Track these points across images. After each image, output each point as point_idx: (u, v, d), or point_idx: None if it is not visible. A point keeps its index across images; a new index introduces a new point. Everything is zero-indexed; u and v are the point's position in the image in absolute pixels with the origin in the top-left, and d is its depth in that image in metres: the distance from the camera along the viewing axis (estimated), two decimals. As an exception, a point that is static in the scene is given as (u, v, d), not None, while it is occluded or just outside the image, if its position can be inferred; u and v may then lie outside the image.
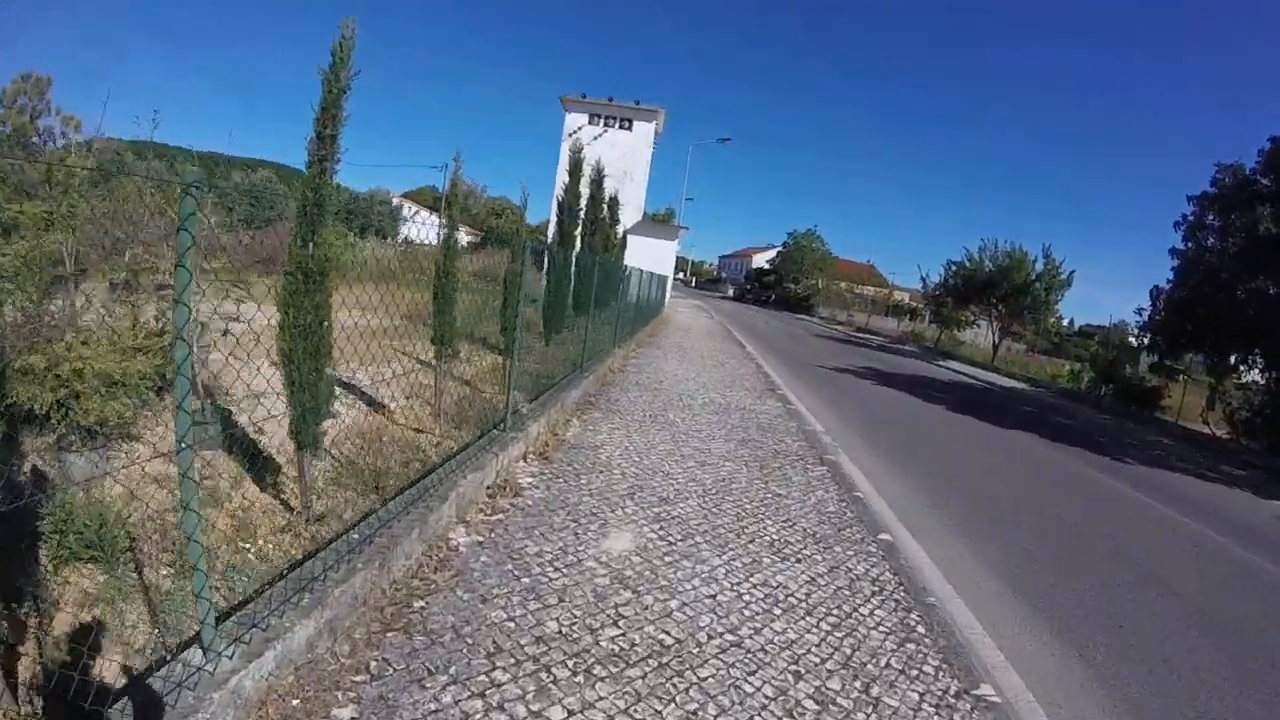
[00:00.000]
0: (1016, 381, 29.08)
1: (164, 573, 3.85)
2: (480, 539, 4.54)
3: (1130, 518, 8.92)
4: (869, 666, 3.82)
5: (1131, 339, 30.60)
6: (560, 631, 3.61)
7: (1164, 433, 20.41)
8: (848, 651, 3.93)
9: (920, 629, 4.39)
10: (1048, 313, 34.99)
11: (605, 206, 21.50)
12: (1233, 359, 21.20)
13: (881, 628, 4.31)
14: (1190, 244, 21.59)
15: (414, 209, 55.02)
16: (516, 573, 4.16)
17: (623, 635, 3.68)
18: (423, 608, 3.65)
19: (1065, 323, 41.61)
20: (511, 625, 3.60)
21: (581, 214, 17.23)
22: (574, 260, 14.38)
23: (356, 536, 3.74)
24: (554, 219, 17.00)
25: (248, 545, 4.08)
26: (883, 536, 5.95)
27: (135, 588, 3.67)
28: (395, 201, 50.42)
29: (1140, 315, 23.36)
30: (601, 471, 6.40)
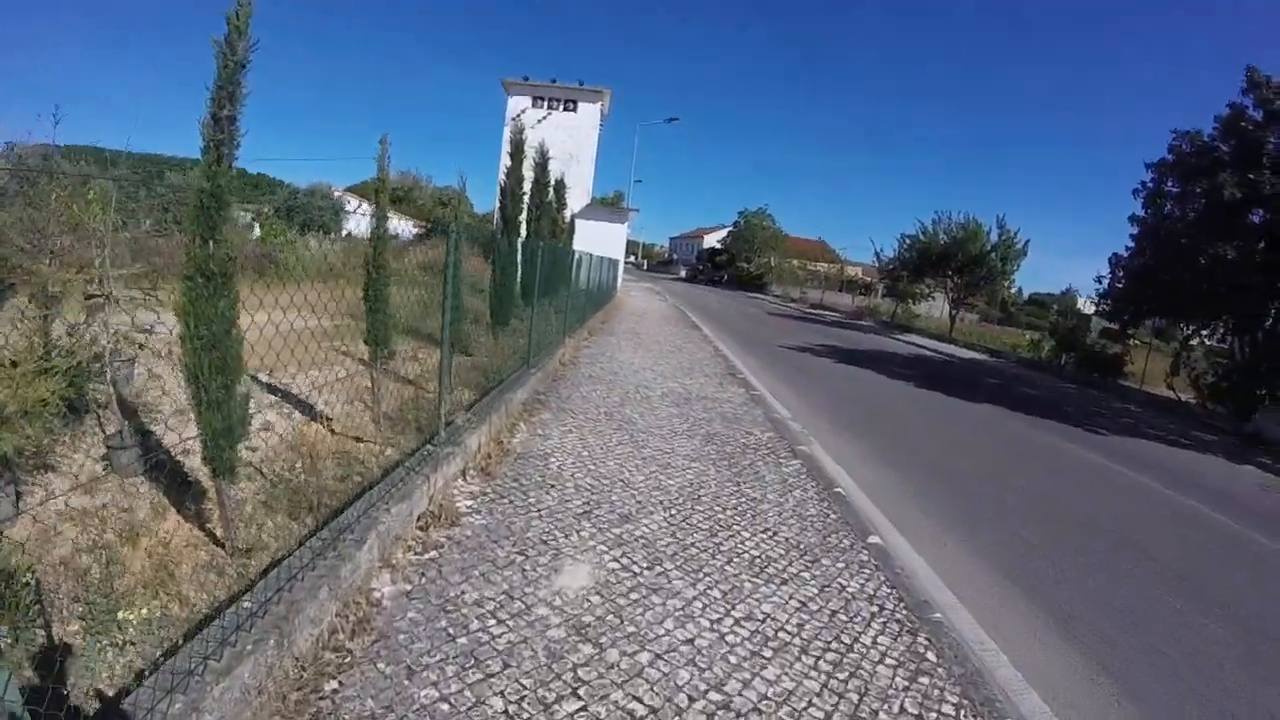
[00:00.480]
0: (976, 353, 28.98)
1: (73, 628, 3.17)
2: (408, 587, 3.77)
3: (1116, 492, 8.48)
4: (882, 717, 3.17)
5: (1082, 306, 30.68)
6: (507, 712, 2.88)
7: (1129, 400, 20.38)
8: (854, 699, 3.29)
9: (931, 656, 3.78)
10: (1004, 282, 34.97)
11: (551, 190, 20.69)
12: (1190, 326, 21.21)
13: (889, 659, 3.68)
14: (1149, 211, 21.46)
15: (358, 203, 53.38)
16: (452, 631, 3.40)
17: (584, 709, 2.96)
18: (335, 690, 2.90)
19: (1015, 292, 41.55)
20: (445, 708, 2.86)
21: (526, 198, 16.45)
22: (519, 247, 13.58)
23: (249, 605, 2.96)
24: (497, 204, 16.11)
25: (129, 616, 3.26)
26: (872, 540, 5.33)
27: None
28: (337, 195, 48.72)
29: (1100, 284, 23.23)
30: (552, 486, 5.64)
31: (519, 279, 15.28)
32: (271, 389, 7.18)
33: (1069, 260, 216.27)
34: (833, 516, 5.74)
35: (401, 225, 42.43)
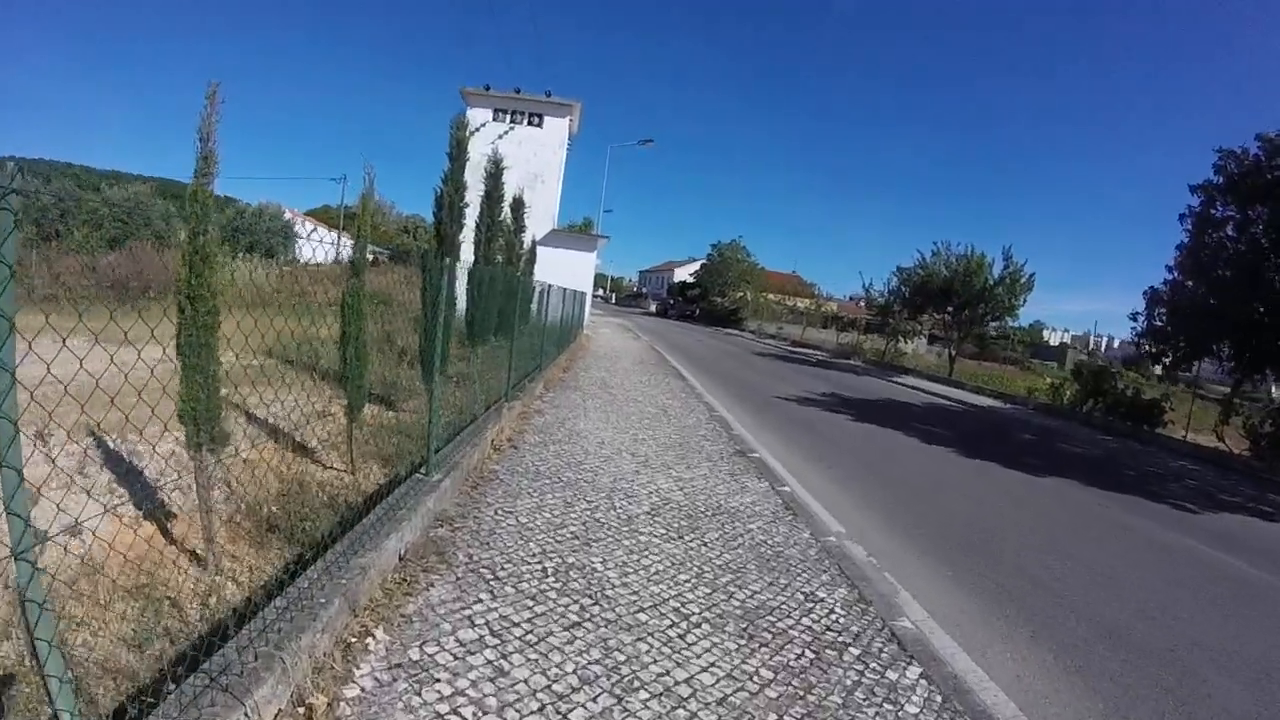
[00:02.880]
0: (986, 398, 25.81)
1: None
2: None
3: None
4: None
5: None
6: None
7: (1178, 453, 17.48)
8: None
9: None
10: (1010, 318, 32.01)
11: (506, 207, 17.25)
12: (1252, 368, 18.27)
13: None
14: (1192, 237, 18.57)
15: (311, 225, 49.62)
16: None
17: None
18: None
19: (1016, 329, 38.70)
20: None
21: (470, 214, 13.10)
22: (452, 273, 10.11)
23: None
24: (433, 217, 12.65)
25: None
26: None
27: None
28: (287, 215, 44.89)
29: (1136, 322, 20.25)
30: None
31: (465, 315, 12.24)
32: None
33: (1052, 294, 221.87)
34: None
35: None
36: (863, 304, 41.10)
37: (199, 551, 4.22)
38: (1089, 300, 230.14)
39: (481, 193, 15.42)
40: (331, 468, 6.46)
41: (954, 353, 32.47)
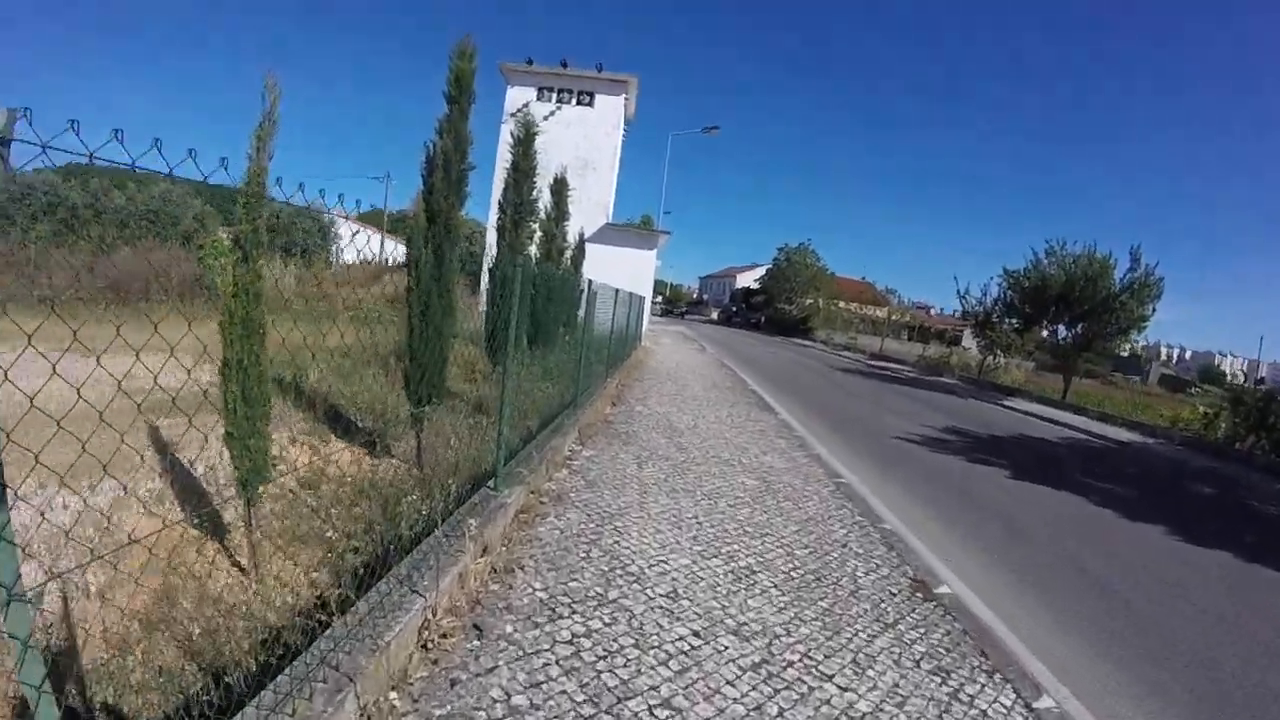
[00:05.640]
0: (1119, 428, 20.99)
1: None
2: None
3: None
4: None
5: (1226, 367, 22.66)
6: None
7: None
8: None
9: None
10: (1138, 331, 26.97)
11: (545, 189, 13.50)
12: None
13: None
14: None
15: (356, 227, 46.82)
16: None
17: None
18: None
19: (1143, 346, 33.50)
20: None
21: (493, 190, 9.56)
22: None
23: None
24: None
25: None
26: None
27: None
28: (329, 216, 42.06)
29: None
30: None
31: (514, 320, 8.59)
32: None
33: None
34: None
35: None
36: (958, 314, 36.23)
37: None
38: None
39: (508, 163, 11.65)
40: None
41: (1068, 375, 27.49)
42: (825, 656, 3.83)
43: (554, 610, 3.81)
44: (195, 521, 4.98)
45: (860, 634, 4.18)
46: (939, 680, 3.81)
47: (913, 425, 14.39)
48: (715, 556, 5.01)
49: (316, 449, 7.88)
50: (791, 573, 4.96)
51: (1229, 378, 58.20)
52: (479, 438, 7.71)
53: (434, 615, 3.34)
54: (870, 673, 3.74)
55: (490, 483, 5.08)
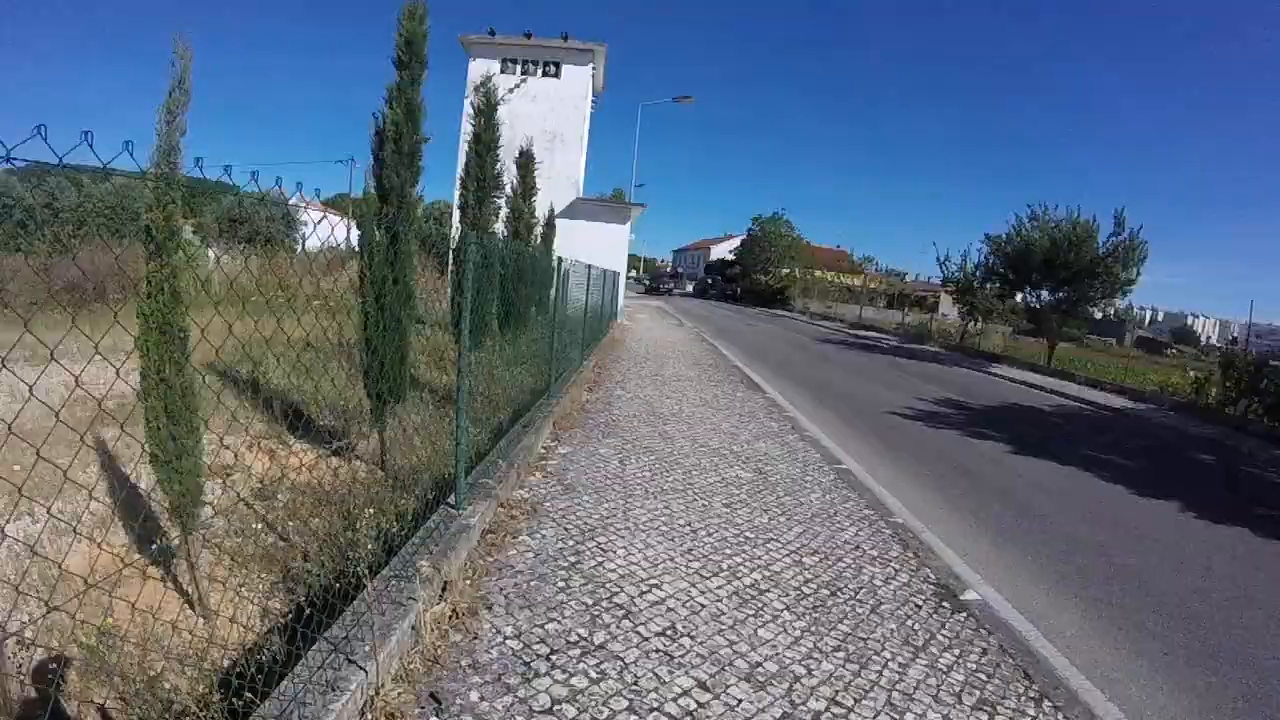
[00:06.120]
0: (1109, 394, 20.57)
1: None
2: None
3: None
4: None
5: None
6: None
7: None
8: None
9: None
10: (1123, 296, 26.62)
11: (510, 162, 12.78)
12: None
13: None
14: None
15: (320, 214, 45.19)
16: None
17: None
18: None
19: (1127, 308, 33.21)
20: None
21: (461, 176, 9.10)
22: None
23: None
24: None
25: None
26: None
27: None
28: (293, 202, 40.90)
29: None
30: None
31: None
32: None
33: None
34: None
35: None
36: (933, 280, 35.78)
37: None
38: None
39: (469, 135, 10.87)
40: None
41: (1054, 336, 27.07)
42: (856, 700, 3.21)
43: (529, 665, 3.14)
44: (141, 551, 4.35)
45: (890, 663, 3.57)
46: (985, 718, 3.22)
47: (904, 398, 13.86)
48: (715, 574, 4.36)
49: (275, 453, 7.24)
50: (803, 587, 4.34)
51: (1203, 339, 58.36)
52: (448, 432, 7.07)
53: (378, 692, 2.67)
54: (909, 718, 3.14)
55: (451, 498, 4.41)
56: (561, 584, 3.98)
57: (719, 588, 4.17)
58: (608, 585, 4.03)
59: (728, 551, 4.73)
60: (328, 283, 18.79)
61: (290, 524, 5.66)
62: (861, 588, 4.45)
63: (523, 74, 24.25)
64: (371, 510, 4.91)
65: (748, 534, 5.10)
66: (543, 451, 6.68)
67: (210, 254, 22.23)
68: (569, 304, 10.54)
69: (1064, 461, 9.57)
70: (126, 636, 3.90)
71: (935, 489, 7.48)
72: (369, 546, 3.76)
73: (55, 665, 3.38)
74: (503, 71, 23.87)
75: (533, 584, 3.94)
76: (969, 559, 5.48)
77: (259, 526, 5.58)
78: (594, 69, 24.93)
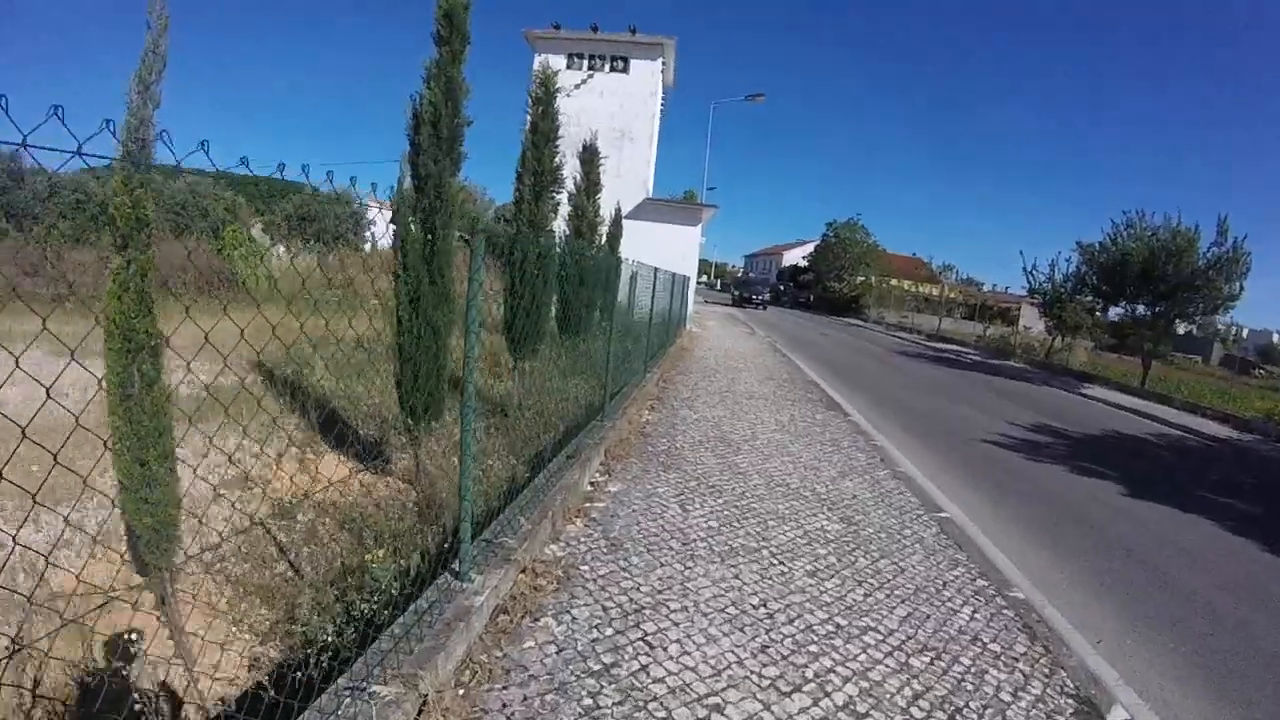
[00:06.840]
0: (1211, 420, 18.63)
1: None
2: None
3: None
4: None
5: None
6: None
7: None
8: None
9: None
10: (1225, 311, 24.46)
11: (577, 161, 12.03)
12: None
13: None
14: None
15: (388, 213, 45.49)
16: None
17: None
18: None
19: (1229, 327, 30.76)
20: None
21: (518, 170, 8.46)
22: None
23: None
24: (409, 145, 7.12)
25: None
26: None
27: None
28: (358, 204, 41.44)
29: None
30: None
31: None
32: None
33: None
34: None
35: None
36: (1008, 290, 33.76)
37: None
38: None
39: (525, 125, 10.03)
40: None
41: (1150, 355, 24.96)
42: None
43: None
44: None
45: None
46: None
47: (995, 422, 12.56)
48: (798, 688, 3.32)
49: (306, 464, 6.59)
50: (912, 708, 3.29)
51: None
52: (489, 451, 6.30)
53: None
54: None
55: (455, 564, 3.51)
56: (589, 701, 3.00)
57: (802, 712, 3.15)
58: (651, 708, 3.03)
59: (813, 650, 3.69)
60: (383, 282, 18.37)
61: (305, 549, 4.99)
62: (986, 706, 3.39)
63: (589, 69, 23.49)
64: (382, 552, 4.23)
65: (839, 620, 4.07)
66: (589, 488, 5.76)
67: (279, 251, 22.17)
68: (635, 310, 9.65)
69: (1186, 509, 8.23)
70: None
71: (1049, 544, 6.31)
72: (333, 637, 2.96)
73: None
74: (568, 67, 23.17)
75: (548, 699, 2.97)
76: (1105, 648, 4.38)
77: (273, 551, 5.00)
78: (664, 64, 23.98)
